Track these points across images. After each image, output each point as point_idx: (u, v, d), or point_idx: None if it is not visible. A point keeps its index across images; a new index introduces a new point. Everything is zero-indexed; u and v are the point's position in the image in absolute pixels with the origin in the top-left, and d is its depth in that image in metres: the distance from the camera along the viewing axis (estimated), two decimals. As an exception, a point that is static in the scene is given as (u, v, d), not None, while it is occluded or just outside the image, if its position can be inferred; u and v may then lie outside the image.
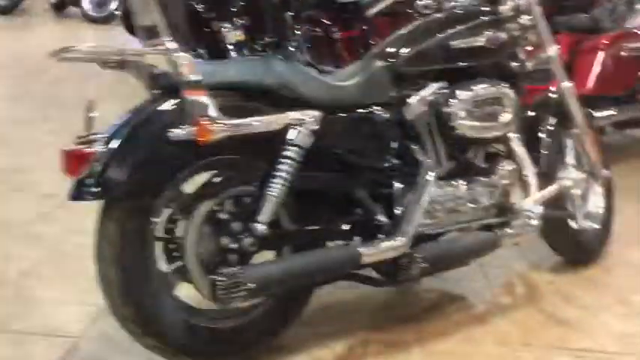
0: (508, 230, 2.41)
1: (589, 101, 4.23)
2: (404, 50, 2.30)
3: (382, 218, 2.12)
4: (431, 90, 2.32)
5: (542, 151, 2.73)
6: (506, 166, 2.50)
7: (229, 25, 5.74)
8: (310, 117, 1.95)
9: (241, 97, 1.92)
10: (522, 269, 2.89)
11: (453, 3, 2.56)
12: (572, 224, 2.85)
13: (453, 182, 2.35)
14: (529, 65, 2.68)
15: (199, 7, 5.79)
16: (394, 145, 2.26)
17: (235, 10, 5.87)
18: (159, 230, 1.89)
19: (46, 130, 4.66)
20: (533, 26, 2.64)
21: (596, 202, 3.06)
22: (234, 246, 1.87)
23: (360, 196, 2.09)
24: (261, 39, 6.05)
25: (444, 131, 2.33)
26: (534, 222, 2.42)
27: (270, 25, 5.98)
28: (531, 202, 2.44)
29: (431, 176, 2.24)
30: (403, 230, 2.11)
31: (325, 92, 2.05)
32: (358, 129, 2.13)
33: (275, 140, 1.92)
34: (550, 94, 2.84)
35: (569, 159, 2.93)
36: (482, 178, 2.43)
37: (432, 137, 2.34)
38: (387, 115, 2.23)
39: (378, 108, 2.21)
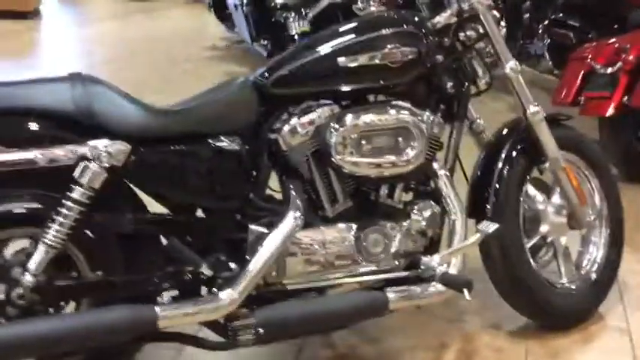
0: (405, 291, 1.96)
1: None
2: (280, 67, 1.93)
3: (207, 271, 1.79)
4: (314, 116, 1.94)
5: (493, 186, 2.21)
6: (423, 209, 2.05)
7: (295, 16, 5.50)
8: (107, 150, 1.67)
9: (35, 125, 1.68)
10: (474, 327, 2.39)
11: (376, 7, 2.13)
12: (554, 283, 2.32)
13: (334, 227, 1.95)
14: (482, 83, 2.19)
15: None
16: (255, 180, 1.91)
17: (304, -1, 5.62)
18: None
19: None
20: (484, 36, 2.15)
21: (592, 253, 2.48)
22: (1, 298, 1.65)
23: (174, 243, 1.78)
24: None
25: (329, 166, 1.94)
26: (435, 286, 1.95)
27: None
28: (438, 258, 1.97)
29: (294, 219, 1.87)
30: (233, 287, 1.77)
31: (144, 120, 1.75)
32: (195, 162, 1.81)
33: (64, 177, 1.66)
34: (520, 118, 2.30)
35: (555, 198, 2.38)
36: (386, 223, 2.01)
37: (319, 172, 1.96)
38: (248, 146, 1.89)
39: (232, 137, 1.86)
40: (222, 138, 1.84)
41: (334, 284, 1.96)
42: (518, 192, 2.24)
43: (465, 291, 1.87)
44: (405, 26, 1.99)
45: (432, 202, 2.08)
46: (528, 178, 2.30)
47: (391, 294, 1.94)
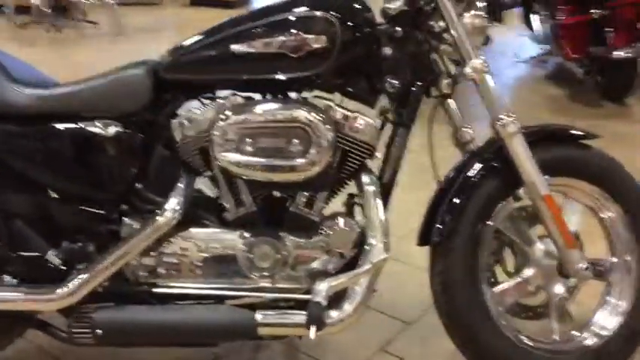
0: (279, 317, 1.70)
1: None
2: (178, 51, 1.77)
3: (54, 259, 1.71)
4: (211, 107, 1.76)
5: (443, 209, 1.81)
6: (335, 226, 1.76)
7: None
8: None
9: None
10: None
11: None
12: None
13: (226, 232, 1.76)
14: (444, 84, 1.81)
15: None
16: (144, 170, 1.79)
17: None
18: None
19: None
20: (445, 31, 1.78)
21: (605, 314, 1.94)
22: None
23: (19, 226, 1.72)
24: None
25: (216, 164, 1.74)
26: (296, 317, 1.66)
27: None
28: (326, 286, 1.66)
29: (166, 217, 1.71)
30: (75, 280, 1.67)
31: (6, 98, 1.71)
32: (59, 146, 1.73)
33: None
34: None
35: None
36: (288, 236, 1.76)
37: (218, 169, 1.77)
38: (140, 132, 1.76)
39: (112, 121, 1.74)
40: (97, 122, 1.74)
41: (215, 295, 1.76)
42: (479, 220, 1.81)
43: (312, 329, 1.56)
44: (317, 11, 1.68)
45: (352, 220, 1.77)
46: (504, 204, 1.85)
47: (261, 316, 1.69)
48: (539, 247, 1.88)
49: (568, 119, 4.43)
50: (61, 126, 1.73)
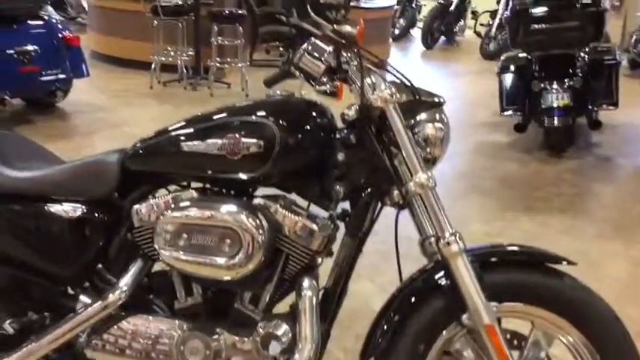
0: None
1: None
2: (144, 142, 1.88)
3: (9, 328, 1.86)
4: (164, 199, 1.84)
5: (381, 330, 1.73)
6: (268, 329, 1.75)
7: (556, 87, 4.90)
8: None
9: None
10: None
11: (277, 92, 1.88)
12: None
13: (167, 321, 1.83)
14: (394, 195, 1.76)
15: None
16: (106, 251, 1.90)
17: (569, 69, 4.97)
18: None
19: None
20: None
21: None
22: None
23: None
24: (598, 105, 4.97)
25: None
26: None
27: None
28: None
29: (111, 300, 1.81)
30: (22, 348, 1.83)
31: None
32: (23, 223, 1.89)
33: None
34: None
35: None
36: (224, 332, 1.79)
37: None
38: (105, 216, 1.88)
39: (80, 204, 1.88)
40: (65, 204, 1.88)
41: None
42: (420, 342, 1.71)
43: None
44: (261, 117, 1.72)
45: (286, 325, 1.75)
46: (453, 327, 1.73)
47: None
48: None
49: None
50: (30, 206, 1.89)
